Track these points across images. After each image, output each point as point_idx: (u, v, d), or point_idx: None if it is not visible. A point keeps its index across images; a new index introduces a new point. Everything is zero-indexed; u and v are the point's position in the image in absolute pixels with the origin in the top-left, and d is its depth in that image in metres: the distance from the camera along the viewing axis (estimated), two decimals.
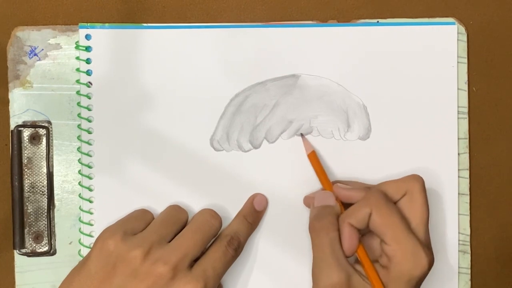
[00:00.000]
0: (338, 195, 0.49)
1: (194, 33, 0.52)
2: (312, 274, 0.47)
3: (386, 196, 0.47)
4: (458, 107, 0.52)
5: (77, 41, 0.51)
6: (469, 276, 0.53)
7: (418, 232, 0.46)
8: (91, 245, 0.50)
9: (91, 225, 0.51)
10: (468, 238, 0.53)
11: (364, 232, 0.47)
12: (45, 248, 0.51)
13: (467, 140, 0.53)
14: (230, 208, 0.51)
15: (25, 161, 0.51)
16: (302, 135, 0.51)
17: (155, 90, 0.51)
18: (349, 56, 0.52)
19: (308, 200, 0.51)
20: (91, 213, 0.51)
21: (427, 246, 0.46)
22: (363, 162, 0.52)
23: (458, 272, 0.52)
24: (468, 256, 0.53)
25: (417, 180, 0.47)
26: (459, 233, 0.52)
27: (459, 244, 0.52)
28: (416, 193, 0.46)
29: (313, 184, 0.51)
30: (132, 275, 0.44)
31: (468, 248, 0.53)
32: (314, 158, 0.51)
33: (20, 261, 0.51)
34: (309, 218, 0.49)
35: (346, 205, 0.48)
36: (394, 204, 0.46)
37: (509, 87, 0.53)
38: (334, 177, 0.52)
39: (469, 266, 0.53)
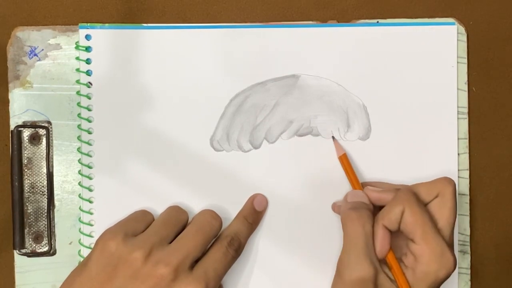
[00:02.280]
0: (369, 197, 0.49)
1: (194, 33, 0.52)
2: (339, 262, 0.47)
3: (416, 195, 0.47)
4: (458, 107, 0.52)
5: (77, 41, 0.51)
6: (469, 276, 0.53)
7: (444, 233, 0.46)
8: (91, 246, 0.50)
9: (91, 225, 0.51)
10: (468, 238, 0.53)
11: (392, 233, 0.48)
12: (45, 248, 0.51)
13: (467, 140, 0.53)
14: (230, 209, 0.51)
15: (25, 161, 0.51)
16: (333, 138, 0.51)
17: (155, 90, 0.51)
18: (349, 56, 0.52)
19: (338, 208, 0.51)
20: (91, 214, 0.51)
21: (452, 248, 0.46)
22: (363, 162, 0.52)
23: (458, 272, 0.52)
24: (468, 256, 0.53)
25: (450, 183, 0.47)
26: (459, 233, 0.52)
27: (459, 244, 0.52)
28: (448, 195, 0.47)
29: (313, 184, 0.51)
30: (133, 276, 0.44)
31: (468, 248, 0.53)
32: (345, 160, 0.51)
33: (20, 261, 0.51)
34: (341, 210, 0.49)
35: (375, 209, 0.48)
36: (423, 205, 0.47)
37: (509, 87, 0.53)
38: (333, 177, 0.52)
39: (469, 266, 0.53)
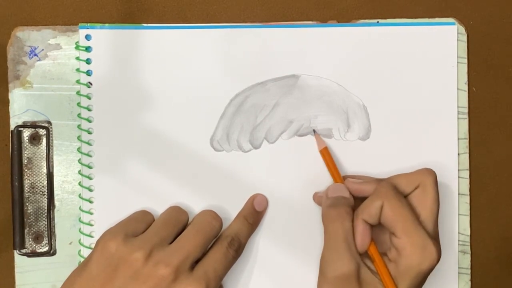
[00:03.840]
0: (350, 189, 0.49)
1: (194, 33, 0.51)
2: (321, 261, 0.47)
3: (396, 188, 0.47)
4: (458, 107, 0.52)
5: (77, 41, 0.51)
6: (469, 276, 0.53)
7: (427, 225, 0.46)
8: (91, 246, 0.50)
9: (91, 225, 0.51)
10: (468, 238, 0.53)
11: (373, 227, 0.48)
12: (45, 248, 0.51)
13: (467, 140, 0.53)
14: (230, 209, 0.51)
15: (25, 161, 0.51)
16: (314, 131, 0.51)
17: (155, 90, 0.51)
18: (349, 56, 0.52)
19: (319, 198, 0.51)
20: (91, 214, 0.51)
21: (435, 239, 0.46)
22: (363, 162, 0.52)
23: (458, 272, 0.52)
24: (468, 256, 0.53)
25: (430, 174, 0.47)
26: (459, 233, 0.52)
27: (459, 244, 0.52)
28: (429, 186, 0.47)
29: (313, 184, 0.51)
30: (134, 277, 0.44)
31: (468, 248, 0.53)
32: (326, 153, 0.51)
33: (20, 261, 0.51)
34: (322, 207, 0.49)
35: (356, 201, 0.49)
36: (404, 197, 0.47)
37: (509, 87, 0.54)
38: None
39: (469, 266, 0.53)
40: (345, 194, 0.49)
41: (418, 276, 0.45)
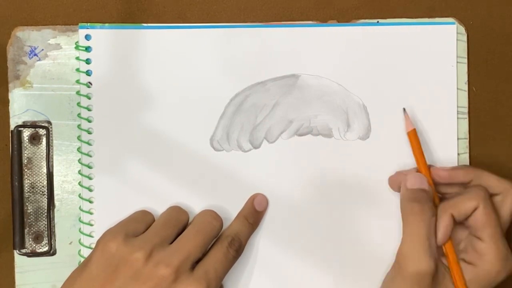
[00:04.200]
0: (439, 175, 0.48)
1: (194, 33, 0.51)
2: (399, 255, 0.47)
3: (489, 193, 0.47)
4: (458, 107, 0.52)
5: (77, 41, 0.51)
6: None
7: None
8: (91, 246, 0.50)
9: (91, 225, 0.51)
10: None
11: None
12: (45, 248, 0.51)
13: (467, 140, 0.53)
14: (231, 209, 0.51)
15: (25, 161, 0.51)
16: (404, 110, 0.51)
17: (155, 90, 0.51)
18: (349, 56, 0.52)
19: (397, 178, 0.50)
20: (91, 213, 0.51)
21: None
22: (363, 162, 0.52)
23: None
24: None
25: None
26: None
27: None
28: (509, 197, 0.47)
29: (313, 184, 0.51)
30: (134, 277, 0.44)
31: None
32: (414, 136, 0.50)
33: (20, 261, 0.51)
34: (401, 198, 0.49)
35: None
36: None
37: (509, 87, 0.53)
38: (333, 177, 0.52)
39: None
40: (425, 186, 0.48)
41: (492, 284, 0.46)
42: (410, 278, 0.45)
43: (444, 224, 0.46)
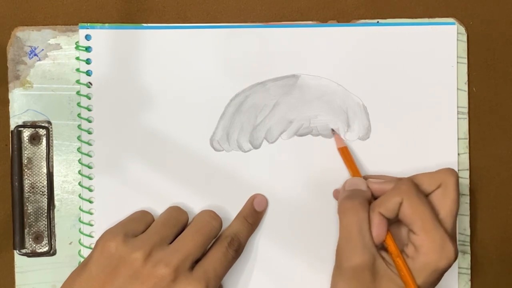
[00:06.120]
0: (371, 189, 0.49)
1: (194, 33, 0.51)
2: (336, 253, 0.47)
3: (417, 186, 0.47)
4: (458, 107, 0.52)
5: (77, 42, 0.51)
6: (469, 276, 0.53)
7: (445, 224, 0.46)
8: (91, 246, 0.50)
9: (91, 225, 0.51)
10: (468, 238, 0.53)
11: (391, 222, 0.48)
12: (45, 248, 0.51)
13: (467, 140, 0.53)
14: (230, 209, 0.51)
15: (25, 161, 0.51)
16: (333, 130, 0.51)
17: (155, 90, 0.51)
18: (349, 56, 0.52)
19: (337, 193, 0.51)
20: (91, 214, 0.51)
21: (453, 238, 0.46)
22: (363, 162, 0.52)
23: (458, 272, 0.52)
24: (468, 256, 0.53)
25: (452, 174, 0.47)
26: (458, 233, 0.52)
27: (458, 244, 0.52)
28: (450, 186, 0.47)
29: (313, 183, 0.51)
30: (134, 277, 0.44)
31: (468, 248, 0.53)
32: (346, 152, 0.51)
33: (20, 261, 0.51)
34: (338, 198, 0.49)
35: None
36: (424, 195, 0.47)
37: (509, 87, 0.54)
38: (333, 177, 0.52)
39: (469, 266, 0.53)
40: (362, 187, 0.49)
41: (434, 274, 0.46)
42: (346, 273, 0.46)
43: (374, 223, 0.47)
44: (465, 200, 0.53)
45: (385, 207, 0.46)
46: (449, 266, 0.46)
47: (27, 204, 0.51)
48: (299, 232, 0.52)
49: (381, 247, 0.47)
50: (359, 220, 0.46)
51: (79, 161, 0.51)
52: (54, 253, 0.51)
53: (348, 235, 0.46)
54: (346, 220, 0.47)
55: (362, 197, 0.48)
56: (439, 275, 0.46)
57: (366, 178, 0.50)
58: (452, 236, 0.46)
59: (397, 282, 0.46)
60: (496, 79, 0.53)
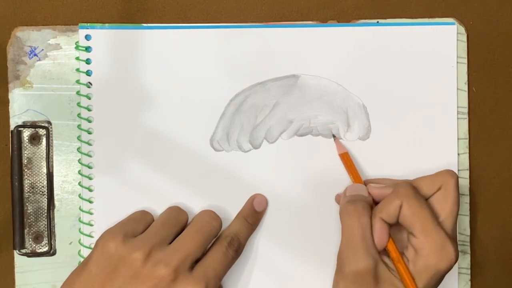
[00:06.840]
0: (371, 193, 0.49)
1: (194, 33, 0.51)
2: (338, 257, 0.47)
3: (416, 189, 0.47)
4: (458, 107, 0.52)
5: (77, 42, 0.51)
6: (469, 276, 0.53)
7: (446, 226, 0.46)
8: (91, 246, 0.50)
9: (91, 225, 0.51)
10: (468, 238, 0.53)
11: (392, 225, 0.48)
12: (45, 248, 0.51)
13: (467, 140, 0.53)
14: (230, 209, 0.51)
15: (25, 161, 0.51)
16: (334, 136, 0.51)
17: (155, 90, 0.51)
18: (349, 56, 0.52)
19: (339, 198, 0.51)
20: (91, 214, 0.51)
21: (454, 240, 0.46)
22: (363, 162, 0.52)
23: (458, 272, 0.52)
24: (468, 256, 0.53)
25: (452, 176, 0.47)
26: (458, 233, 0.52)
27: (459, 244, 0.52)
28: (450, 188, 0.47)
29: (313, 184, 0.51)
30: (133, 277, 0.44)
31: (468, 248, 0.53)
32: (347, 158, 0.51)
33: (20, 261, 0.51)
34: (340, 203, 0.49)
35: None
36: (424, 198, 0.47)
37: (509, 87, 0.53)
38: (333, 177, 0.52)
39: (469, 266, 0.53)
40: (364, 193, 0.49)
41: (435, 276, 0.45)
42: (348, 278, 0.46)
43: (376, 229, 0.46)
44: (465, 200, 0.53)
45: (385, 212, 0.46)
46: (450, 268, 0.46)
47: (27, 204, 0.51)
48: (299, 232, 0.52)
49: (383, 251, 0.47)
50: (362, 224, 0.46)
51: (79, 161, 0.51)
52: (54, 253, 0.51)
53: (350, 239, 0.46)
54: (348, 225, 0.47)
55: (364, 201, 0.48)
56: (440, 277, 0.46)
57: (366, 182, 0.50)
58: (452, 237, 0.46)
59: (399, 287, 0.45)
60: (496, 79, 0.53)
